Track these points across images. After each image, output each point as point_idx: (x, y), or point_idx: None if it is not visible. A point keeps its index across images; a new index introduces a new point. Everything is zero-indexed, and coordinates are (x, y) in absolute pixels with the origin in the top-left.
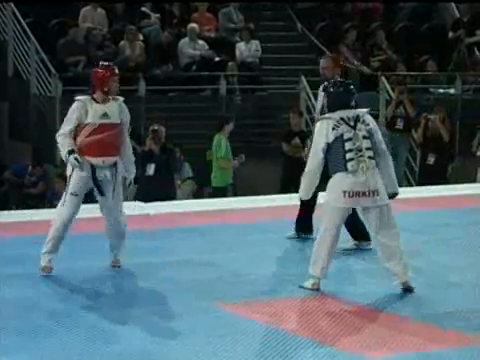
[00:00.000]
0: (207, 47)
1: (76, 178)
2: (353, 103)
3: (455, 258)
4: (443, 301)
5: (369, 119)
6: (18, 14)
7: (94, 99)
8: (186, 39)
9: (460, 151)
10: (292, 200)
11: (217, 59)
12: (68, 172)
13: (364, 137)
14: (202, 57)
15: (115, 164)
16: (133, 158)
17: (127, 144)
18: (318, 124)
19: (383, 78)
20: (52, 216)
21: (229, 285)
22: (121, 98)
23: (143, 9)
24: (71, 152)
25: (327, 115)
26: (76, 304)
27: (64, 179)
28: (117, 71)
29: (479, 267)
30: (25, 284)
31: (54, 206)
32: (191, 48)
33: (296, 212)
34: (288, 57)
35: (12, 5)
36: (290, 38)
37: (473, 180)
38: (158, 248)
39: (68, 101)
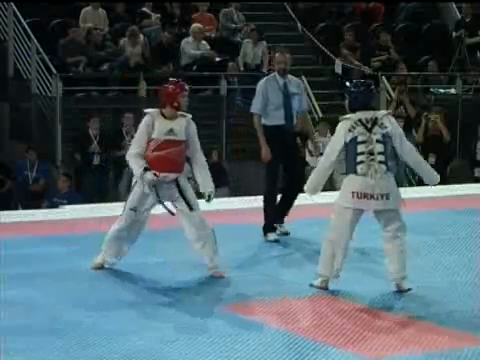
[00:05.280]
0: (208, 47)
1: (138, 193)
2: (372, 104)
3: (456, 258)
4: (443, 301)
5: (389, 121)
6: (19, 14)
7: (162, 114)
8: (189, 39)
9: (460, 151)
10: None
11: (218, 59)
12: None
13: (378, 141)
14: (203, 57)
15: (176, 180)
16: (208, 172)
17: (199, 159)
18: (339, 124)
19: (384, 78)
20: (53, 216)
21: (231, 285)
22: (189, 115)
23: (144, 9)
24: (147, 169)
25: (347, 116)
26: (77, 304)
27: (69, 178)
28: (187, 87)
29: (479, 267)
30: (25, 284)
31: (55, 204)
32: (193, 48)
33: (296, 212)
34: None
35: (13, 5)
36: (290, 38)
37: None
38: (158, 248)
39: (69, 101)
